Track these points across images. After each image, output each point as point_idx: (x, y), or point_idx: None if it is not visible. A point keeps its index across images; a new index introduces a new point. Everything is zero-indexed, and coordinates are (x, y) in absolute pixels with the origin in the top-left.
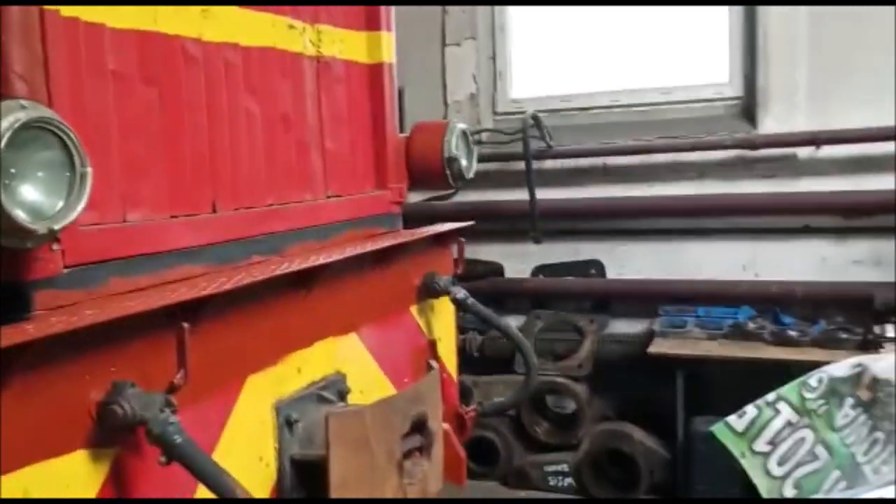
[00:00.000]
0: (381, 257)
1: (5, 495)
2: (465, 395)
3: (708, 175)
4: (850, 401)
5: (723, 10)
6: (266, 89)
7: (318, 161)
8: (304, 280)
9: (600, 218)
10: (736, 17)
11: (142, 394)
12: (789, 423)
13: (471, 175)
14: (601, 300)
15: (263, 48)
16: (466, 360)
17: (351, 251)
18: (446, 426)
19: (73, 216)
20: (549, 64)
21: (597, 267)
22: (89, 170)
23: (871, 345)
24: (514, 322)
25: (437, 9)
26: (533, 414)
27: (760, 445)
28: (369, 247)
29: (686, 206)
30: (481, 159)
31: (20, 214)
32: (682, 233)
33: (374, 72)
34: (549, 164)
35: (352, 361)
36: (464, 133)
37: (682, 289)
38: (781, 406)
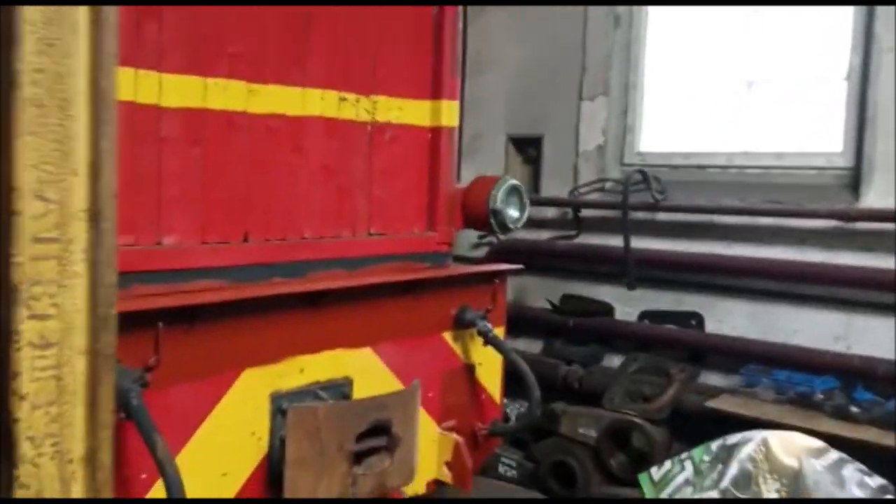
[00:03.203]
0: (412, 287)
1: None
2: (553, 420)
3: (809, 242)
4: (719, 467)
5: (841, 82)
6: (310, 147)
7: (363, 204)
8: (312, 298)
9: (704, 272)
10: (853, 87)
11: (121, 369)
12: (687, 480)
13: (519, 225)
14: (696, 351)
15: (309, 117)
16: (568, 391)
17: (354, 281)
18: (460, 439)
19: None
20: (675, 122)
21: (697, 319)
22: None
23: None
24: (616, 361)
25: (578, 66)
26: (612, 448)
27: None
28: (370, 280)
29: (785, 271)
30: (605, 206)
31: None
32: (780, 296)
33: (434, 134)
34: (661, 216)
35: (364, 371)
36: (514, 188)
37: (770, 350)
38: (687, 464)
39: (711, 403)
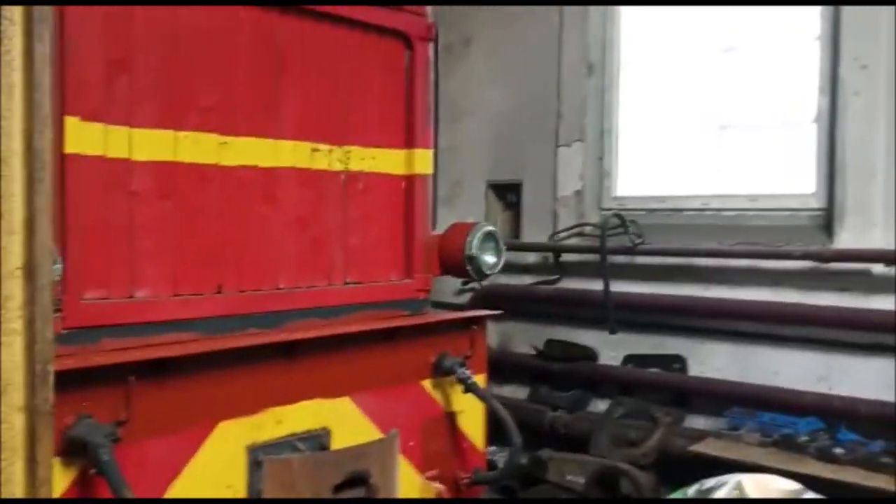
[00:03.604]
0: (389, 335)
1: None
2: (540, 467)
3: (784, 283)
4: None
5: (811, 125)
6: (282, 198)
7: (339, 253)
8: (287, 349)
9: (684, 315)
10: (823, 129)
11: (92, 424)
12: None
13: (496, 271)
14: (680, 394)
15: (282, 168)
16: (554, 437)
17: (328, 331)
18: (442, 488)
19: None
20: (651, 166)
21: (679, 362)
22: (57, 267)
23: None
24: (601, 406)
25: (553, 113)
26: (600, 494)
27: None
28: (344, 328)
29: (761, 312)
30: (585, 250)
31: None
32: (759, 337)
33: (409, 181)
34: (640, 259)
35: (342, 421)
36: (489, 234)
37: (752, 392)
38: None
39: (696, 447)
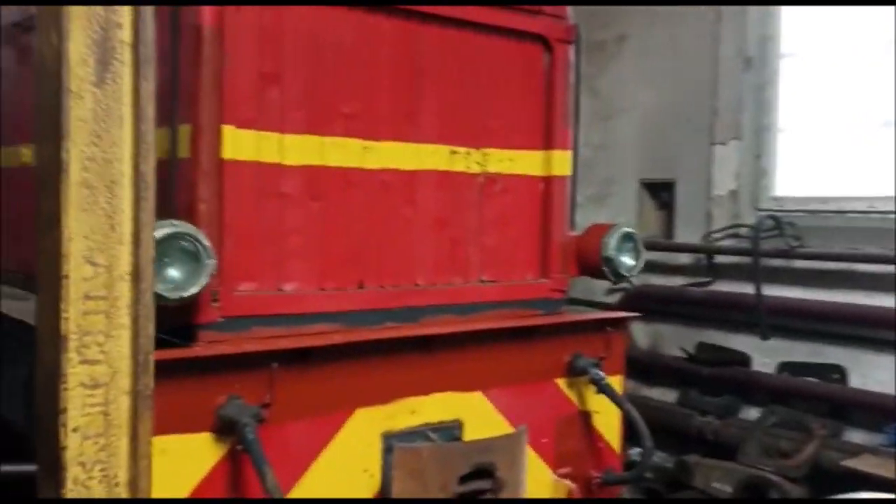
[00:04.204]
0: (523, 333)
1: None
2: (686, 472)
3: None
4: None
5: None
6: (422, 199)
7: (475, 253)
8: (424, 342)
9: (844, 323)
10: None
11: (240, 404)
12: None
13: (634, 273)
14: (838, 406)
15: (422, 171)
16: (702, 442)
17: (463, 326)
18: (573, 486)
19: (195, 290)
20: (812, 165)
21: (839, 372)
22: (211, 262)
23: None
24: (752, 413)
25: (709, 110)
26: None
27: None
28: (480, 325)
29: None
30: (738, 252)
31: (159, 286)
32: None
33: (547, 183)
34: (798, 263)
35: (475, 415)
36: (628, 235)
37: None
38: None
39: (849, 462)
